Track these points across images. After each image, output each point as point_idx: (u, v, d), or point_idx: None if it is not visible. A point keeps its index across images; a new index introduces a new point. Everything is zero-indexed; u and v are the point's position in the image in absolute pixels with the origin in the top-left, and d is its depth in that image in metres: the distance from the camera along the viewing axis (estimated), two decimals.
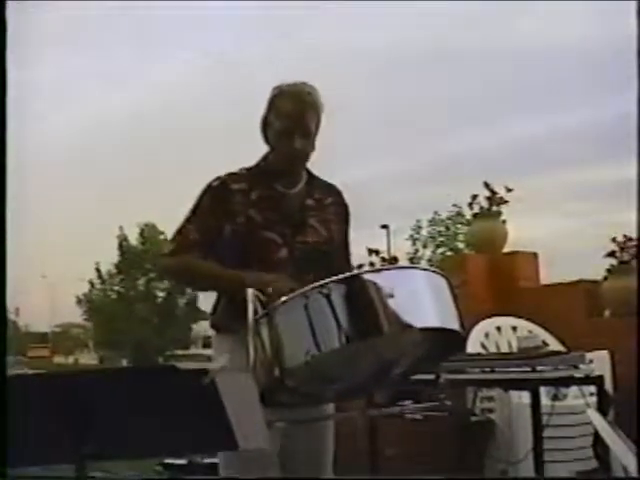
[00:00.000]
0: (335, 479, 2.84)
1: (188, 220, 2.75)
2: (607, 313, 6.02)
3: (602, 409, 3.63)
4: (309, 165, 2.85)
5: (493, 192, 6.47)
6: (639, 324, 3.86)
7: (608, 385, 4.49)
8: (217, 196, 2.73)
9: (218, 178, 2.77)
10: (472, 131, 46.57)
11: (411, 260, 24.78)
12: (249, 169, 2.81)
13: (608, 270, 5.83)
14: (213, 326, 2.82)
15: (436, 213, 27.23)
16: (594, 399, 4.06)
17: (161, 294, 37.78)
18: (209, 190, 2.75)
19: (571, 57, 50.59)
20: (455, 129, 46.41)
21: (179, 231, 2.76)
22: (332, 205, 2.87)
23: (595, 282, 6.00)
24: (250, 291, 2.34)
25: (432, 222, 27.70)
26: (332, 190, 2.91)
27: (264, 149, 2.81)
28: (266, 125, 2.76)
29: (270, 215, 2.72)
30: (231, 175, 2.78)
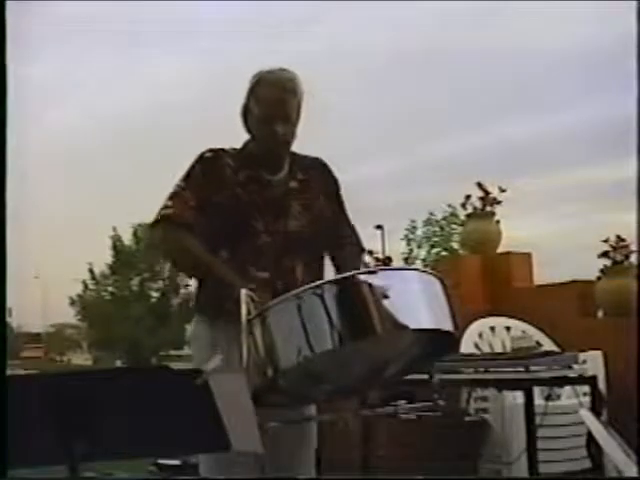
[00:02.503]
0: (329, 479, 2.84)
1: (181, 187, 2.74)
2: (600, 313, 6.02)
3: (595, 409, 3.63)
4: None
5: (486, 192, 6.47)
6: (639, 324, 3.87)
7: (601, 385, 4.50)
8: (210, 166, 2.75)
9: (211, 150, 2.79)
10: (467, 131, 46.51)
11: (406, 260, 24.75)
12: (236, 149, 2.83)
13: (601, 270, 5.83)
14: (200, 312, 2.80)
15: (431, 214, 27.25)
16: (587, 399, 4.07)
17: (155, 294, 37.72)
18: (202, 160, 2.77)
19: (570, 57, 50.59)
20: (451, 129, 46.31)
21: (173, 196, 2.74)
22: (317, 182, 2.86)
23: (588, 282, 6.00)
24: (243, 291, 2.34)
25: (427, 222, 27.73)
26: (316, 165, 2.90)
27: None
28: (247, 112, 2.76)
29: (254, 198, 2.73)
30: (222, 149, 2.81)
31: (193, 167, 2.77)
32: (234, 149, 2.83)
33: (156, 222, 2.74)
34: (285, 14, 52.52)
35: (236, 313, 2.32)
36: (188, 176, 2.76)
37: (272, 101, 2.69)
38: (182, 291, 34.31)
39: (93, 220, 53.48)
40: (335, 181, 2.94)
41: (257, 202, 2.73)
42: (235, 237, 2.70)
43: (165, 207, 2.73)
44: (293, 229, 2.76)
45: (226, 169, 2.75)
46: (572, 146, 44.18)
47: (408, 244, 27.46)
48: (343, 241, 2.89)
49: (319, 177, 2.88)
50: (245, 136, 2.82)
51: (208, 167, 2.75)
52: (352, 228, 2.96)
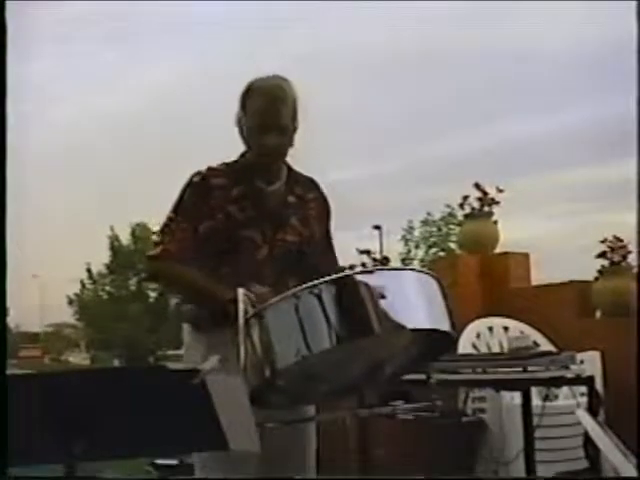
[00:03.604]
0: (326, 479, 2.83)
1: (171, 219, 2.72)
2: (598, 314, 6.03)
3: (592, 409, 3.63)
4: (293, 162, 2.83)
5: (484, 193, 6.47)
6: (639, 324, 3.87)
7: (599, 385, 4.51)
8: (198, 192, 2.71)
9: (199, 173, 2.74)
10: (466, 132, 46.54)
11: (403, 261, 24.83)
12: (228, 164, 2.79)
13: (599, 271, 5.84)
14: (190, 322, 2.77)
15: (429, 214, 27.30)
16: (585, 399, 4.07)
17: (152, 294, 37.71)
18: (190, 186, 2.73)
19: (570, 57, 50.62)
20: (449, 129, 46.33)
21: (163, 230, 2.74)
22: (313, 201, 2.85)
23: (586, 283, 6.01)
24: (241, 291, 2.34)
25: (425, 223, 27.78)
26: (312, 185, 2.89)
27: None
28: (240, 123, 2.73)
29: (250, 213, 2.71)
30: (211, 170, 2.76)
31: (182, 196, 2.73)
32: (226, 164, 2.79)
33: (148, 259, 2.80)
34: (284, 13, 52.51)
35: (226, 321, 2.33)
36: (178, 206, 2.73)
37: (262, 111, 2.65)
38: None
39: (91, 219, 53.49)
40: (328, 206, 2.92)
41: (253, 215, 2.71)
42: (234, 254, 2.67)
43: (155, 244, 2.76)
44: (291, 241, 2.74)
45: (216, 191, 2.70)
46: (571, 146, 44.25)
47: (406, 244, 27.54)
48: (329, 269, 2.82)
49: (315, 197, 2.87)
50: (241, 143, 2.80)
51: (197, 193, 2.71)
52: (336, 260, 2.95)
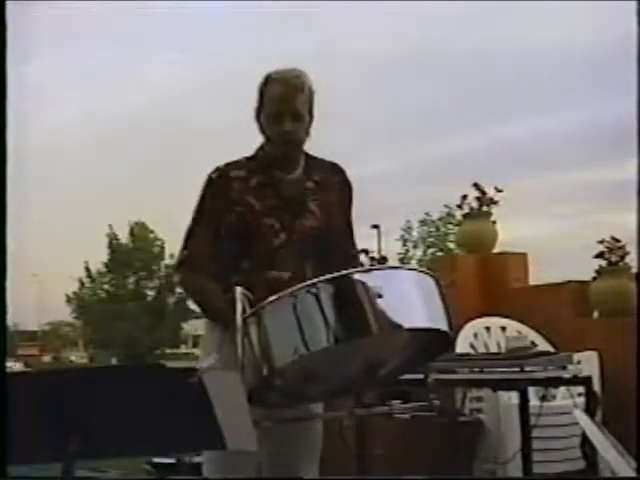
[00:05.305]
0: (326, 479, 2.84)
1: (196, 220, 2.75)
2: (596, 314, 6.03)
3: (590, 410, 3.64)
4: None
5: (483, 193, 6.47)
6: (638, 325, 3.87)
7: (596, 386, 4.51)
8: (218, 188, 2.73)
9: (217, 169, 2.77)
10: (465, 132, 46.53)
11: (401, 260, 24.81)
12: (248, 158, 2.81)
13: (597, 271, 5.84)
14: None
15: (427, 214, 27.29)
16: (582, 399, 4.07)
17: (151, 293, 37.70)
18: (210, 184, 2.75)
19: (570, 57, 50.53)
20: (448, 129, 46.35)
21: (190, 234, 2.76)
22: (334, 185, 2.85)
23: (584, 283, 6.01)
24: (238, 289, 2.34)
25: (423, 223, 27.79)
26: (334, 169, 2.89)
27: (253, 147, 2.82)
28: (258, 114, 2.76)
29: (269, 201, 2.72)
30: (229, 164, 2.78)
31: (203, 195, 2.76)
32: (245, 157, 2.81)
33: (177, 267, 2.81)
34: (285, 13, 52.53)
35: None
36: (200, 206, 2.76)
37: (279, 98, 2.68)
38: (178, 290, 34.25)
39: (90, 218, 53.43)
40: (350, 190, 2.92)
41: (273, 203, 2.72)
42: (253, 242, 2.69)
43: (183, 249, 2.78)
44: (310, 226, 2.75)
45: (235, 183, 2.72)
46: (570, 147, 44.30)
47: (404, 244, 27.53)
48: (349, 258, 2.82)
49: (337, 181, 2.87)
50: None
51: (217, 190, 2.73)
52: (355, 244, 2.96)
